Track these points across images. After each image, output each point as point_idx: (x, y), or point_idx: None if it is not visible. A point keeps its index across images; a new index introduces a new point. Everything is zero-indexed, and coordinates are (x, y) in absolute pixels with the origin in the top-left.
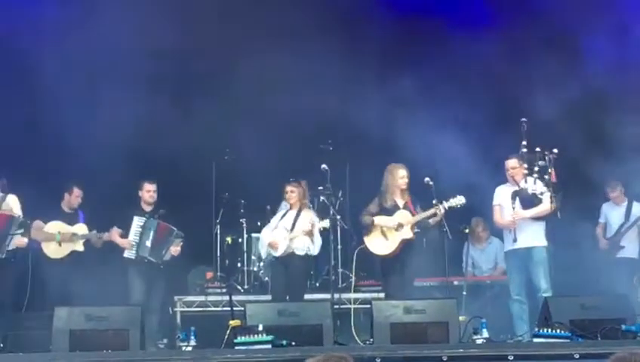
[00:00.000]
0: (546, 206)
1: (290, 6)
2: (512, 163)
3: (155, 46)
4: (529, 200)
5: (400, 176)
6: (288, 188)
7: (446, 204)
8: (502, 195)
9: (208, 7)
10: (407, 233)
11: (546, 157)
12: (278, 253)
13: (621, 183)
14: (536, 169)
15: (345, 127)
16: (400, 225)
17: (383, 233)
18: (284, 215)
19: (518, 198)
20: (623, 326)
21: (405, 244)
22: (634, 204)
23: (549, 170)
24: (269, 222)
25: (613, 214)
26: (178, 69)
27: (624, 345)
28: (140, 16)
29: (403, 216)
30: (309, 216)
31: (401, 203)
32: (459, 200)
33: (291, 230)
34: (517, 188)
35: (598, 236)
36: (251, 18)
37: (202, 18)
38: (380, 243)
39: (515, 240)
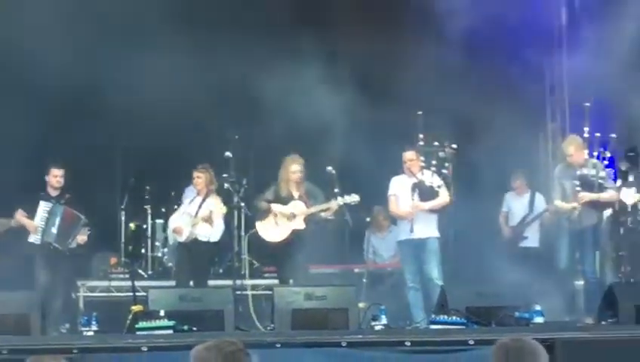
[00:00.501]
0: (445, 198)
1: None
2: (409, 155)
3: None
4: (427, 193)
5: (292, 170)
6: (195, 174)
7: (340, 200)
8: (398, 186)
9: None
10: (299, 223)
11: (445, 151)
12: (181, 239)
13: (523, 174)
14: (433, 162)
15: (248, 112)
16: (293, 215)
17: (276, 220)
18: (192, 200)
19: (417, 190)
20: (517, 314)
21: (296, 234)
22: (536, 195)
23: (447, 164)
24: (174, 208)
25: (515, 204)
26: None
27: (517, 331)
28: None
29: (297, 207)
30: (212, 202)
31: (296, 194)
32: (353, 198)
33: (195, 216)
34: (415, 179)
35: (501, 224)
36: None
37: None
38: (271, 229)
39: (412, 231)
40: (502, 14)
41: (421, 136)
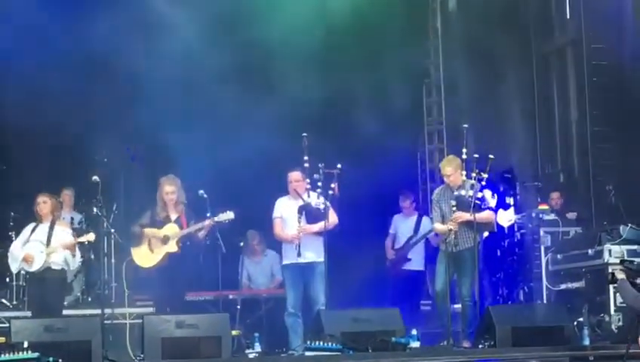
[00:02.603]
0: (333, 220)
1: None
2: (295, 175)
3: None
4: (314, 215)
5: (165, 191)
6: (41, 199)
7: (215, 219)
8: (283, 208)
9: None
10: (172, 246)
11: (331, 172)
12: (33, 268)
13: (412, 195)
14: (319, 183)
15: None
16: (166, 238)
17: (150, 246)
18: (34, 228)
19: (304, 212)
20: (393, 339)
21: (170, 257)
22: (424, 219)
23: (332, 185)
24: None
25: (402, 226)
26: None
27: (394, 357)
28: None
29: (171, 229)
30: (65, 229)
31: (173, 216)
32: (227, 216)
33: (47, 244)
34: (301, 201)
35: (386, 247)
36: None
37: None
38: (145, 255)
39: (299, 255)
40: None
41: (306, 157)
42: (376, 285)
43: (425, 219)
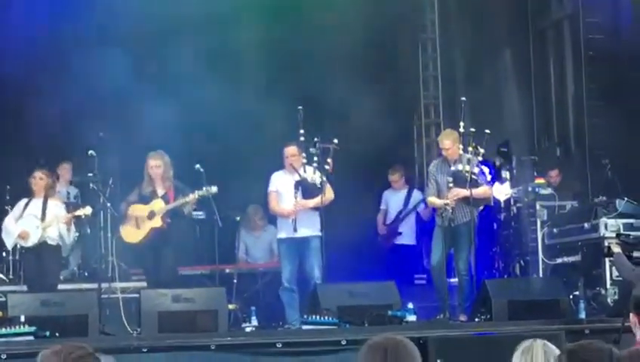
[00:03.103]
0: (329, 195)
1: None
2: (291, 150)
3: None
4: (310, 190)
5: (150, 165)
6: (37, 174)
7: (197, 193)
8: (279, 182)
9: None
10: (156, 222)
11: (327, 147)
12: (29, 243)
13: (401, 169)
14: (315, 158)
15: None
16: (152, 214)
17: (137, 222)
18: (27, 203)
19: (300, 187)
20: (389, 312)
21: (156, 233)
22: (414, 191)
23: (328, 160)
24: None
25: (392, 200)
26: None
27: (390, 330)
28: None
29: (156, 205)
30: (58, 204)
31: (160, 192)
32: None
33: (42, 218)
34: (297, 176)
35: (378, 222)
36: None
37: None
38: (132, 231)
39: (295, 230)
40: None
41: (302, 131)
42: (369, 260)
43: (416, 193)
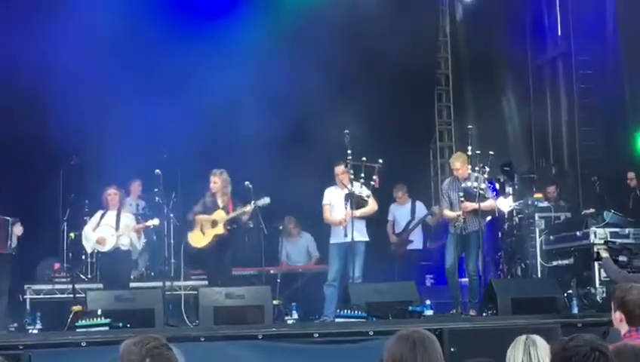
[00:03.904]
0: (373, 207)
1: None
2: (340, 169)
3: None
4: (357, 202)
5: (212, 181)
6: (111, 191)
7: (254, 204)
8: (331, 196)
9: None
10: (219, 229)
11: (372, 166)
12: (105, 249)
13: (404, 186)
14: (362, 175)
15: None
16: (215, 222)
17: (202, 229)
18: (103, 214)
19: (349, 200)
20: (410, 307)
21: (218, 239)
22: (417, 204)
23: (374, 177)
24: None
25: (399, 213)
26: None
27: (411, 323)
28: None
29: (218, 215)
30: (130, 216)
31: (221, 203)
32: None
33: (116, 228)
34: (346, 190)
35: (388, 232)
36: None
37: None
38: (198, 237)
39: (345, 235)
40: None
41: (349, 151)
42: (384, 264)
43: (419, 204)
